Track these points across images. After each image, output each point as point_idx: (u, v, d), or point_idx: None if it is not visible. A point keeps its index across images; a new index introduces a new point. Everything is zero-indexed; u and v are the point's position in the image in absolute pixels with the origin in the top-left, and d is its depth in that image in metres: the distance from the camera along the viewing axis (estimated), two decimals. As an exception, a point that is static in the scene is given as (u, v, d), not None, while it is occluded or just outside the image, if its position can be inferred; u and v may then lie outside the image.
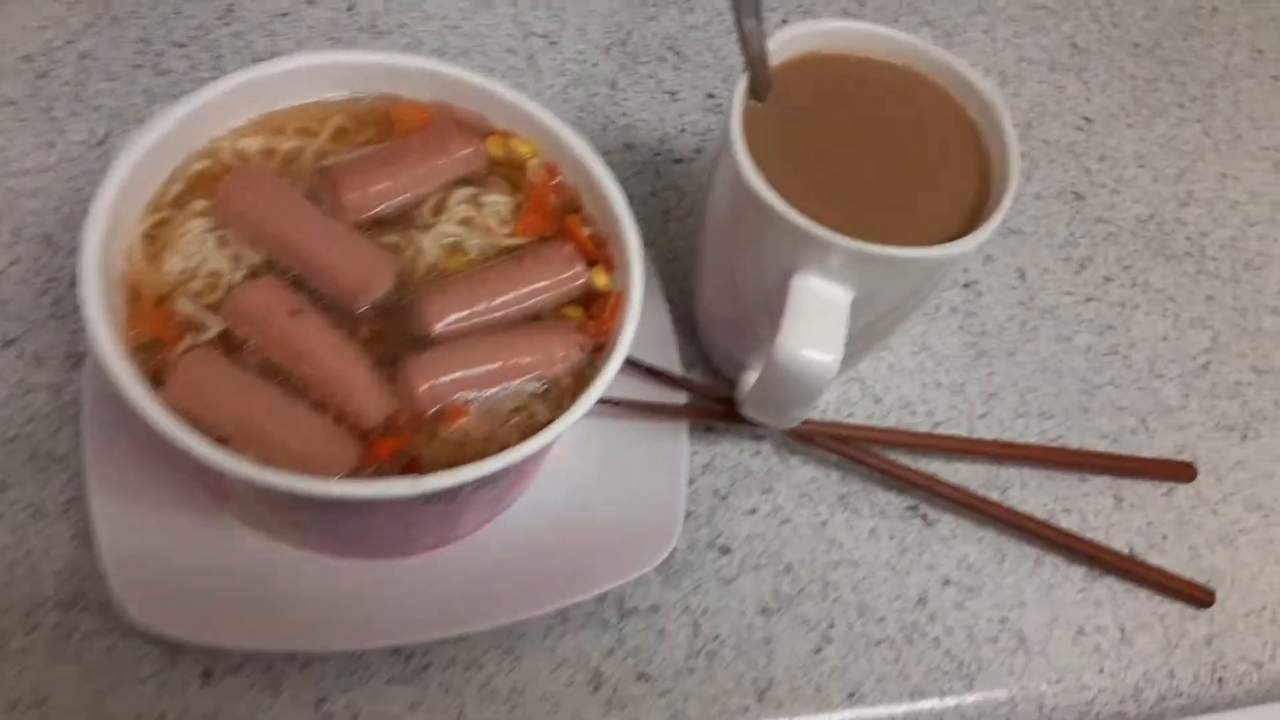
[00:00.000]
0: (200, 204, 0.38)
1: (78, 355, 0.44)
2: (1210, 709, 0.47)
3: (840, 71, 0.42)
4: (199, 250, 0.37)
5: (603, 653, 0.42)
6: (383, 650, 0.40)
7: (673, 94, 0.58)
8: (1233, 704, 0.48)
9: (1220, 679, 0.47)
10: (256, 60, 0.45)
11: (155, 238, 0.37)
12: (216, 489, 0.38)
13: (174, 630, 0.37)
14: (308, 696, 0.39)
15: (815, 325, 0.37)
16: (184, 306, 0.36)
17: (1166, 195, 0.61)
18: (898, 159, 0.41)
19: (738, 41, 0.39)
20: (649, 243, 0.51)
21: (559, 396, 0.37)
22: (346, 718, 0.39)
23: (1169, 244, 0.59)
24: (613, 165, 0.40)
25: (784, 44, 0.41)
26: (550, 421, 0.34)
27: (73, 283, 0.46)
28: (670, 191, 0.55)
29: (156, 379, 0.34)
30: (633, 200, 0.52)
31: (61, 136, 0.50)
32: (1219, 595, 0.48)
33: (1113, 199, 0.60)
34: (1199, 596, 0.48)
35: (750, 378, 0.43)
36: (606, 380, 0.35)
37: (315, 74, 0.41)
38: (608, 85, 0.58)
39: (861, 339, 0.43)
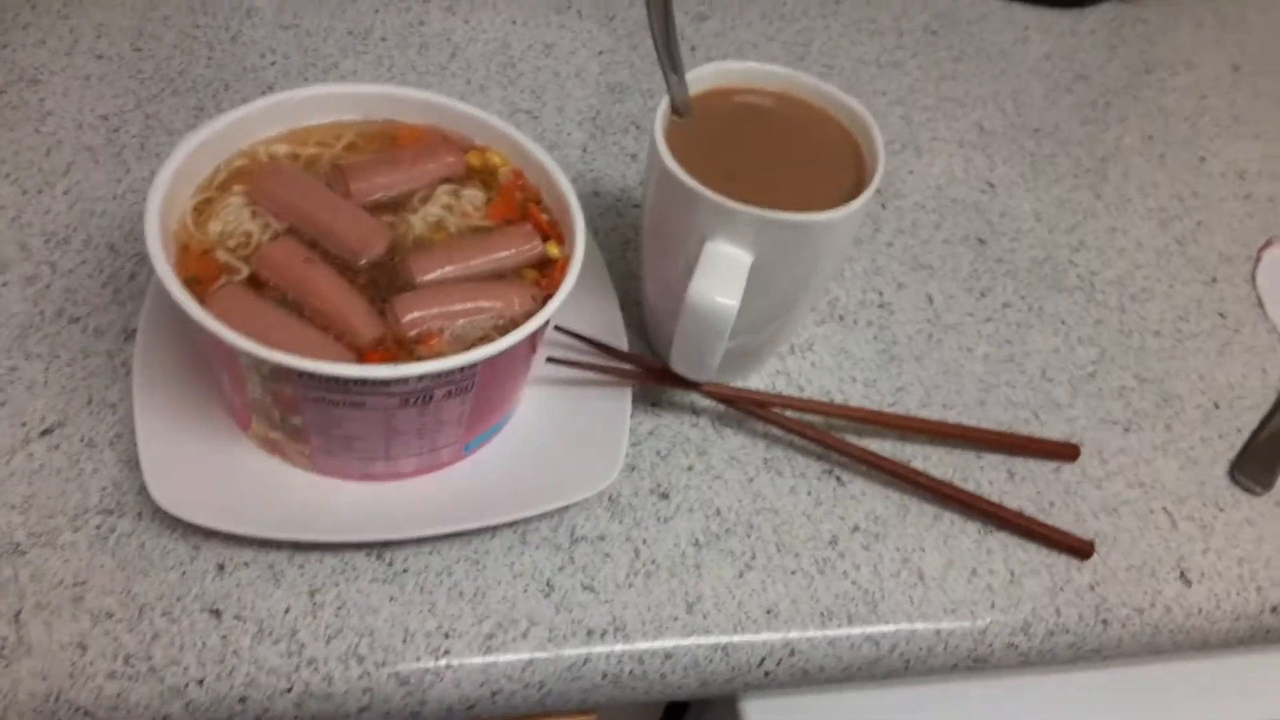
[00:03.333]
0: (239, 188, 0.49)
1: (130, 330, 0.54)
2: (1097, 650, 0.53)
3: (743, 98, 0.53)
4: (236, 218, 0.48)
5: (555, 568, 0.49)
6: (368, 555, 0.48)
7: (634, 156, 0.70)
8: (1119, 647, 0.54)
9: (1105, 620, 0.53)
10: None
11: (202, 210, 0.48)
12: (238, 404, 0.47)
13: (195, 517, 0.45)
14: (303, 586, 0.47)
15: (720, 277, 0.47)
16: (221, 255, 0.46)
17: (1060, 243, 0.71)
18: (790, 157, 0.51)
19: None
20: (610, 264, 0.61)
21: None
22: (334, 605, 0.46)
23: (1062, 280, 0.69)
24: (583, 206, 0.50)
25: (699, 78, 0.52)
26: (504, 337, 0.44)
27: (130, 278, 0.57)
28: (629, 228, 0.65)
29: (199, 303, 0.44)
30: (597, 233, 0.64)
31: (127, 174, 0.62)
32: (1101, 553, 0.55)
33: (1012, 244, 0.70)
34: (1080, 548, 0.54)
35: (680, 344, 0.53)
36: (553, 307, 0.45)
37: (333, 99, 0.52)
38: (580, 149, 0.70)
39: (773, 313, 0.53)
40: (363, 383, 0.42)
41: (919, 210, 0.71)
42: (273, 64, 0.71)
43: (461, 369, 0.43)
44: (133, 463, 0.49)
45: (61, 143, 0.63)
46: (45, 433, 0.50)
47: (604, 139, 0.71)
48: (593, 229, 0.64)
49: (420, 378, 0.42)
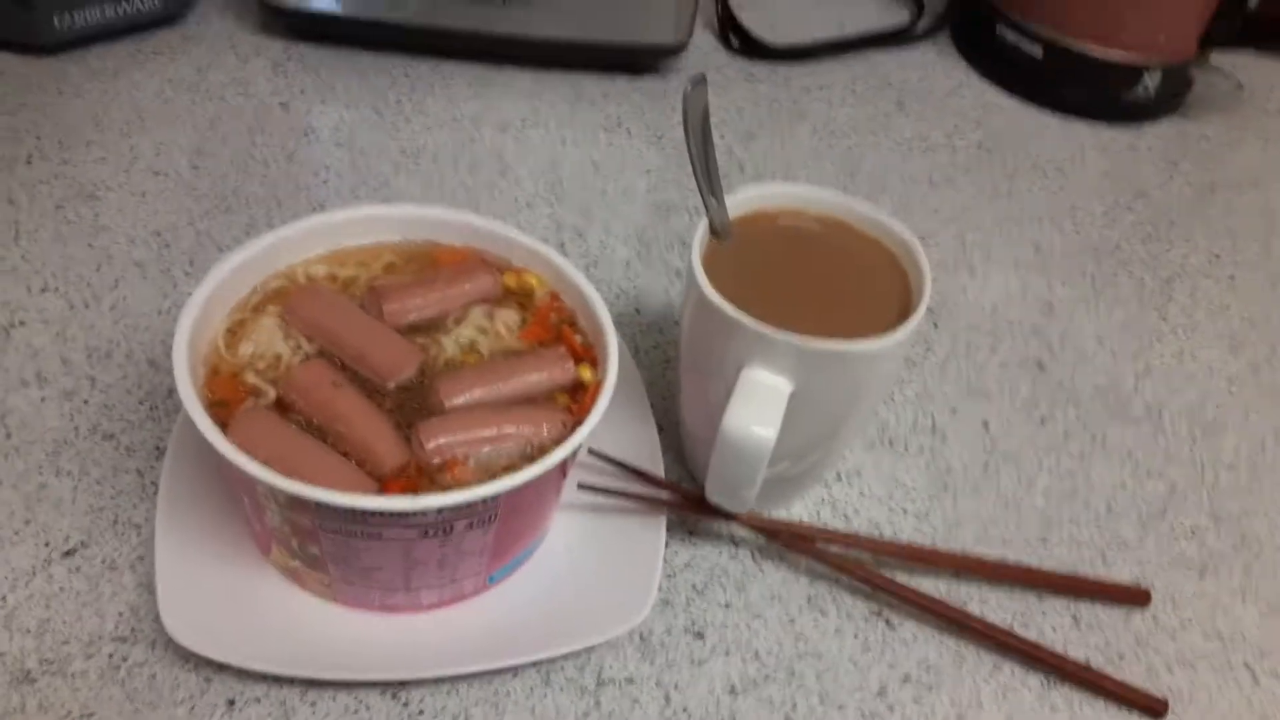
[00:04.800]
0: (274, 309, 0.48)
1: (162, 449, 0.54)
2: (1176, 822, 0.49)
3: (785, 221, 0.52)
4: (268, 339, 0.47)
5: (579, 714, 0.46)
6: (383, 694, 0.46)
7: (679, 273, 0.69)
8: (1200, 820, 0.49)
9: (1182, 790, 0.48)
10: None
11: (235, 332, 0.47)
12: (259, 530, 0.46)
13: (208, 651, 0.43)
14: (313, 727, 0.44)
15: (757, 407, 0.45)
16: (250, 378, 0.45)
17: (1125, 369, 0.68)
18: (833, 283, 0.49)
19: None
20: (650, 384, 0.60)
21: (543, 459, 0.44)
22: (344, 748, 0.44)
23: (1127, 408, 0.65)
24: (624, 324, 0.49)
25: (740, 201, 0.51)
26: (530, 469, 0.42)
27: (168, 394, 0.56)
28: (671, 345, 0.64)
29: (223, 427, 0.43)
30: (638, 352, 0.62)
31: (174, 290, 0.62)
32: (1176, 712, 0.50)
33: (1073, 370, 0.67)
34: (1153, 707, 0.50)
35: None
36: (583, 434, 0.43)
37: (373, 221, 0.52)
38: (624, 265, 0.69)
39: (815, 442, 0.50)
40: (380, 514, 0.40)
41: (973, 332, 0.69)
42: (325, 182, 0.72)
43: (483, 500, 0.41)
44: (152, 587, 0.48)
45: (112, 258, 0.64)
46: (68, 554, 0.49)
47: (649, 256, 0.70)
48: (634, 347, 0.63)
49: (440, 510, 0.40)
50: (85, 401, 0.55)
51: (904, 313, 0.48)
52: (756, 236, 0.51)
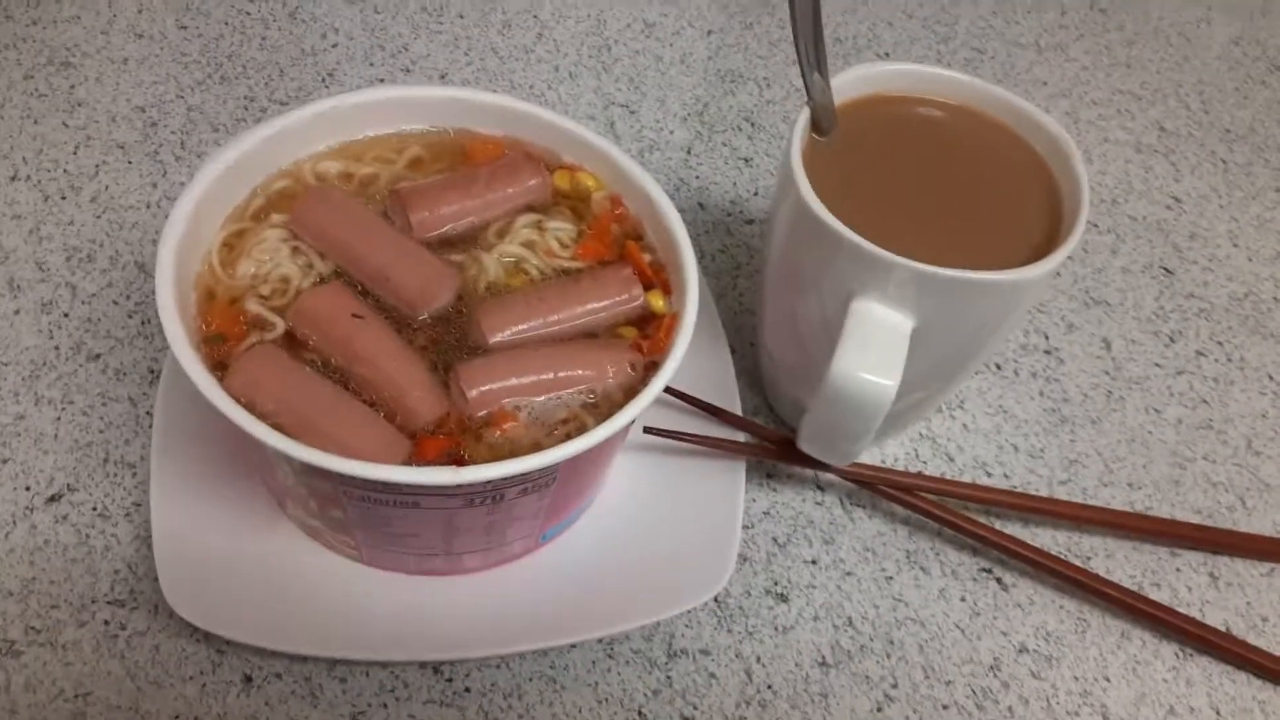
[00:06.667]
0: (278, 217, 0.40)
1: (157, 372, 0.46)
2: (1324, 813, 0.43)
3: (902, 110, 0.42)
4: (272, 257, 0.39)
5: (648, 692, 0.40)
6: (423, 669, 0.39)
7: (747, 160, 0.60)
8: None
9: (1335, 778, 0.42)
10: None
11: (233, 246, 0.39)
12: (271, 484, 0.38)
13: (217, 628, 0.37)
14: (345, 709, 0.38)
15: (874, 350, 0.36)
16: (252, 306, 0.37)
17: (1263, 274, 0.59)
18: (962, 192, 0.40)
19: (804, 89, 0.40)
20: (719, 296, 0.51)
21: (609, 410, 0.36)
22: (379, 737, 0.38)
23: (1266, 322, 0.57)
24: (685, 223, 0.40)
25: (847, 84, 0.42)
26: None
27: (161, 306, 0.48)
28: (740, 249, 0.55)
29: (221, 368, 0.35)
30: (703, 257, 0.53)
31: (164, 178, 0.53)
32: (1329, 684, 0.44)
33: (1205, 276, 0.58)
34: (1306, 683, 0.43)
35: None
36: (656, 390, 0.35)
37: (393, 106, 0.43)
38: (683, 151, 0.59)
39: (928, 381, 0.42)
40: (417, 486, 0.33)
41: (1091, 231, 0.59)
42: (334, 45, 0.61)
43: (540, 470, 0.33)
44: (151, 540, 0.41)
45: (91, 139, 0.54)
46: (53, 499, 0.42)
47: (712, 138, 0.60)
48: (698, 251, 0.54)
49: (488, 482, 0.33)
50: (66, 314, 0.48)
51: (1052, 230, 0.39)
52: (866, 130, 0.41)
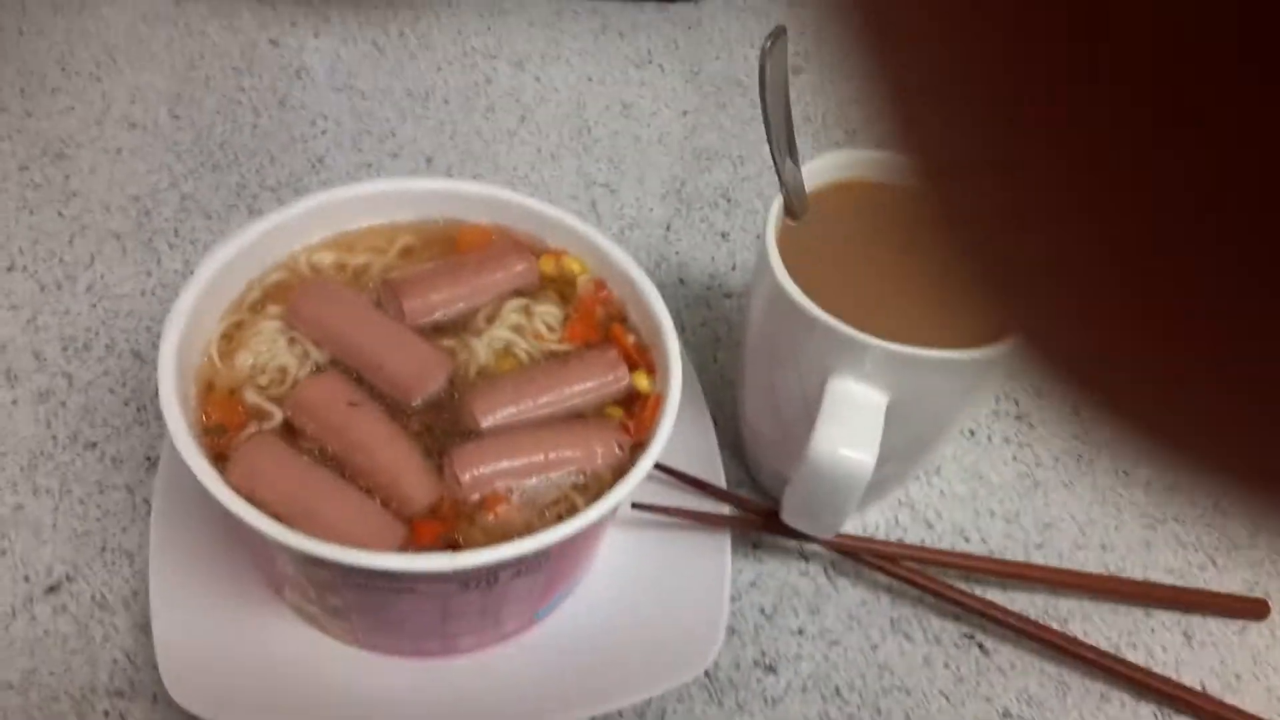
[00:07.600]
0: (275, 309, 0.41)
1: (153, 459, 0.47)
2: None
3: (872, 195, 0.44)
4: (269, 348, 0.40)
5: (641, 768, 0.41)
6: (418, 753, 0.40)
7: (724, 235, 0.62)
8: None
9: (1314, 834, 0.43)
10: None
11: (232, 337, 0.40)
12: (269, 572, 0.39)
13: (218, 715, 0.37)
14: (340, 796, 0.39)
15: (851, 426, 0.38)
16: (251, 396, 0.38)
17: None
18: (935, 272, 0.42)
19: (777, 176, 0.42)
20: (700, 369, 0.53)
21: (598, 490, 0.38)
22: (377, 821, 0.38)
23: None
24: (666, 298, 0.42)
25: (818, 171, 0.44)
26: (588, 510, 0.35)
27: (156, 392, 0.49)
28: (720, 323, 0.57)
29: (222, 459, 0.36)
30: (685, 330, 0.55)
31: (158, 266, 0.55)
32: (1305, 741, 0.45)
33: (1167, 338, 0.60)
34: (1282, 740, 0.45)
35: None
36: (644, 469, 0.36)
37: (385, 198, 0.44)
38: (663, 227, 0.61)
39: (904, 452, 0.44)
40: (414, 574, 0.34)
41: (1056, 298, 0.62)
42: (323, 132, 0.63)
43: (534, 553, 0.34)
44: (149, 628, 0.41)
45: (86, 228, 0.56)
46: (52, 589, 0.43)
47: (690, 215, 0.63)
48: (680, 324, 0.56)
49: (483, 567, 0.34)
50: (63, 404, 0.49)
51: (1016, 306, 0.41)
52: (839, 214, 0.44)
